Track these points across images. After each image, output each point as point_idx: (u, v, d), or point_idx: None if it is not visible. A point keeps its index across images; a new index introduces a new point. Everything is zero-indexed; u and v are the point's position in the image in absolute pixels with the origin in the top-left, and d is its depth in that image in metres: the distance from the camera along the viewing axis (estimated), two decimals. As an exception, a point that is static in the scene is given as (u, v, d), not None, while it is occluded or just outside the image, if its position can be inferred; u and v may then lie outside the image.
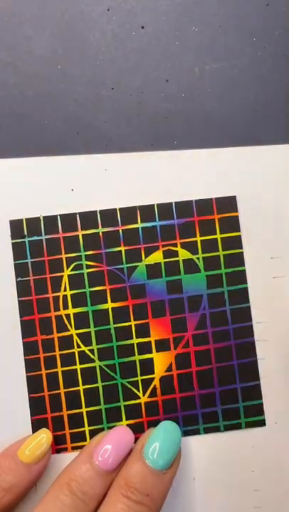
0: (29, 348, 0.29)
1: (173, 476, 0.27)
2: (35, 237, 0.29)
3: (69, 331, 0.29)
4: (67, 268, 0.29)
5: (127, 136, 0.31)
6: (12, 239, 0.29)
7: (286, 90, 0.31)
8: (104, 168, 0.30)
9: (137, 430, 0.29)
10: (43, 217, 0.29)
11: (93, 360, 0.29)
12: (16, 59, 0.31)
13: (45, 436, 0.27)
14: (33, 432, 0.28)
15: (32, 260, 0.29)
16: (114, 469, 0.26)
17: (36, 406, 0.29)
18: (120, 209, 0.29)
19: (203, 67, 0.31)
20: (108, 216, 0.29)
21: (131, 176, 0.30)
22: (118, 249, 0.29)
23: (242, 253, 0.30)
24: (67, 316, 0.29)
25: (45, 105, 0.31)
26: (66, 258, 0.29)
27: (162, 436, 0.27)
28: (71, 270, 0.29)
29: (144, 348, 0.29)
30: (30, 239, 0.29)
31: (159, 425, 0.28)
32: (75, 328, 0.29)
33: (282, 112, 0.31)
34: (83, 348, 0.29)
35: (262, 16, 0.31)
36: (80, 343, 0.29)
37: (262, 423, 0.29)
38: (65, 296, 0.29)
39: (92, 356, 0.29)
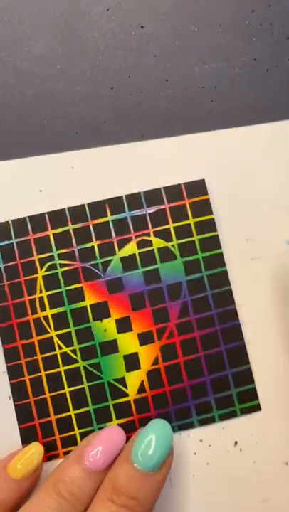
0: (10, 354, 0.28)
1: (164, 478, 0.25)
2: (6, 242, 0.29)
3: (49, 333, 0.28)
4: (41, 269, 0.28)
5: (127, 136, 0.31)
6: None
7: (286, 91, 0.31)
8: (71, 166, 0.30)
9: (129, 429, 0.28)
10: (12, 220, 0.29)
11: (76, 361, 0.28)
12: (16, 58, 0.31)
13: (35, 450, 0.27)
14: (22, 441, 0.28)
15: (4, 265, 0.28)
16: (105, 470, 0.25)
17: (23, 413, 0.28)
18: (89, 204, 0.29)
19: (203, 67, 0.31)
20: (77, 212, 0.29)
21: (98, 170, 0.30)
22: (90, 244, 0.29)
23: (217, 236, 0.29)
24: (46, 317, 0.28)
25: (44, 105, 0.31)
26: (39, 259, 0.29)
27: (151, 435, 0.26)
28: (45, 271, 0.28)
29: (128, 343, 0.29)
30: (0, 244, 0.29)
31: (148, 424, 0.26)
32: (55, 330, 0.28)
33: (282, 112, 0.31)
34: (65, 349, 0.28)
35: (262, 15, 0.31)
36: (61, 344, 0.28)
37: (257, 408, 0.28)
38: (41, 298, 0.28)
39: (74, 357, 0.28)
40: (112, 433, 0.27)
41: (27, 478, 0.26)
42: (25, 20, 0.31)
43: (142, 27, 0.31)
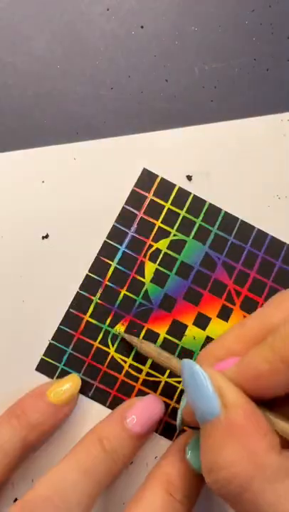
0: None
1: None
2: (65, 357, 0.29)
3: (161, 380, 0.29)
4: (109, 348, 0.29)
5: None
6: (52, 377, 0.29)
7: (286, 90, 0.31)
8: (73, 157, 0.30)
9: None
10: (51, 339, 0.29)
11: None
12: (16, 59, 0.31)
13: (74, 380, 0.28)
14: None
15: (82, 373, 0.29)
16: (144, 434, 0.27)
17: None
18: (90, 270, 0.29)
19: (203, 67, 0.31)
20: (89, 284, 0.29)
21: (100, 162, 0.30)
22: (121, 295, 0.29)
23: (194, 195, 0.30)
24: (148, 374, 0.29)
25: (44, 105, 0.31)
26: (100, 343, 0.29)
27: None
28: (113, 346, 0.29)
29: (217, 329, 0.29)
30: (63, 363, 0.29)
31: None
32: (163, 375, 0.29)
33: (282, 112, 0.31)
34: (181, 386, 0.29)
35: (262, 16, 0.31)
36: (175, 383, 0.29)
37: None
38: (131, 366, 0.29)
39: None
40: (153, 401, 0.28)
41: (65, 405, 0.28)
42: (25, 21, 0.31)
43: (142, 27, 0.31)
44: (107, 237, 0.30)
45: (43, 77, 0.31)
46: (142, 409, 0.27)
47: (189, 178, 0.30)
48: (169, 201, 0.30)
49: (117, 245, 0.30)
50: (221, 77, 0.31)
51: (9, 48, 0.31)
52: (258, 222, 0.30)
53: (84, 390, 0.29)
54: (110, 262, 0.30)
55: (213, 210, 0.30)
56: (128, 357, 0.29)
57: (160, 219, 0.30)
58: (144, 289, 0.30)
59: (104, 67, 0.31)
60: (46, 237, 0.30)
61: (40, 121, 0.31)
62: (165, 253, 0.30)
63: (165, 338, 0.29)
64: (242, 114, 0.31)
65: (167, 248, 0.30)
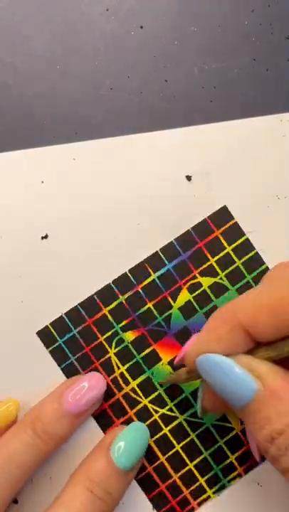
0: None
1: (133, 477, 0.27)
2: (68, 335, 0.29)
3: (141, 402, 0.29)
4: (111, 348, 0.29)
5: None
6: (47, 347, 0.29)
7: (286, 90, 0.31)
8: (73, 158, 0.30)
9: (247, 459, 0.29)
10: (64, 313, 0.29)
11: (176, 417, 0.29)
12: (16, 59, 0.31)
13: (12, 403, 0.28)
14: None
15: (75, 357, 0.29)
16: (82, 413, 0.27)
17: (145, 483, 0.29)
18: (130, 270, 0.29)
19: (202, 67, 0.31)
20: (122, 282, 0.29)
21: (100, 162, 0.30)
22: (146, 307, 0.29)
23: (257, 253, 0.30)
24: (133, 390, 0.29)
25: (44, 105, 0.31)
26: (105, 339, 0.29)
27: (133, 435, 0.27)
28: (115, 348, 0.29)
29: None
30: (63, 339, 0.29)
31: (130, 425, 0.27)
32: (145, 397, 0.29)
33: (282, 112, 0.31)
34: (161, 411, 0.29)
35: (261, 16, 0.31)
36: (156, 408, 0.29)
37: None
38: (121, 374, 0.29)
39: (173, 414, 0.29)
40: (93, 378, 0.27)
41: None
42: (25, 21, 0.31)
43: (142, 27, 0.31)
44: (160, 250, 0.30)
45: (42, 77, 0.31)
46: (85, 386, 0.27)
47: (189, 178, 0.30)
48: (232, 246, 0.30)
49: (165, 260, 0.30)
50: (220, 77, 0.31)
51: (9, 48, 0.31)
52: (257, 222, 0.30)
53: (69, 377, 0.29)
54: (152, 272, 0.30)
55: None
56: (123, 365, 0.29)
57: (216, 258, 0.30)
58: (169, 312, 0.29)
59: (103, 68, 0.31)
60: (46, 237, 0.30)
61: (39, 121, 0.31)
62: (204, 290, 0.30)
63: (164, 366, 0.29)
64: (242, 114, 0.31)
65: (208, 287, 0.30)
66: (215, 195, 0.30)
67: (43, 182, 0.30)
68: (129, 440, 0.26)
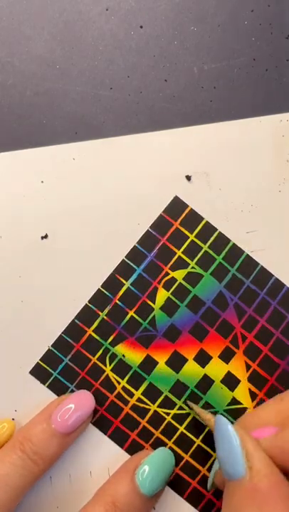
0: (130, 451, 0.29)
1: (156, 502, 0.27)
2: (61, 365, 0.29)
3: (150, 409, 0.29)
4: (106, 365, 0.29)
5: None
6: (44, 384, 0.29)
7: (286, 90, 0.31)
8: (72, 157, 0.30)
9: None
10: (51, 345, 0.29)
11: (188, 414, 0.29)
12: (15, 59, 0.31)
13: (7, 424, 0.27)
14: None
15: (74, 384, 0.29)
16: (72, 432, 0.26)
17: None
18: (102, 285, 0.29)
19: (202, 67, 0.31)
20: (99, 299, 0.29)
21: (99, 162, 0.30)
22: (128, 316, 0.29)
23: (220, 233, 0.30)
24: (139, 399, 0.29)
25: (43, 105, 0.31)
26: (98, 359, 0.29)
27: (158, 462, 0.26)
28: (110, 364, 0.29)
29: (216, 369, 0.29)
30: (58, 371, 0.29)
31: (156, 451, 0.27)
32: (153, 403, 0.29)
33: (282, 112, 0.31)
34: (172, 411, 0.29)
35: (261, 15, 0.31)
36: (166, 410, 0.29)
37: None
38: (124, 388, 0.29)
39: (183, 411, 0.29)
40: (82, 397, 0.27)
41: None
42: (24, 21, 0.31)
43: (141, 27, 0.31)
44: (126, 257, 0.30)
45: (42, 77, 0.31)
46: (74, 405, 0.27)
47: (188, 178, 0.30)
48: (194, 233, 0.30)
49: (134, 266, 0.30)
50: (220, 77, 0.31)
51: (9, 48, 0.31)
52: (257, 222, 0.30)
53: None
54: (124, 282, 0.29)
55: (236, 251, 0.30)
56: (123, 379, 0.29)
57: (182, 249, 0.30)
58: (152, 314, 0.29)
59: (103, 67, 0.31)
60: (45, 237, 0.30)
61: (39, 121, 0.31)
62: (180, 283, 0.30)
63: (162, 368, 0.29)
64: (241, 114, 0.31)
65: (183, 279, 0.30)
66: (214, 195, 0.30)
67: (42, 182, 0.30)
68: (154, 466, 0.26)
